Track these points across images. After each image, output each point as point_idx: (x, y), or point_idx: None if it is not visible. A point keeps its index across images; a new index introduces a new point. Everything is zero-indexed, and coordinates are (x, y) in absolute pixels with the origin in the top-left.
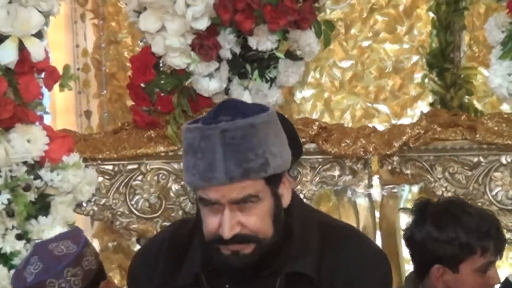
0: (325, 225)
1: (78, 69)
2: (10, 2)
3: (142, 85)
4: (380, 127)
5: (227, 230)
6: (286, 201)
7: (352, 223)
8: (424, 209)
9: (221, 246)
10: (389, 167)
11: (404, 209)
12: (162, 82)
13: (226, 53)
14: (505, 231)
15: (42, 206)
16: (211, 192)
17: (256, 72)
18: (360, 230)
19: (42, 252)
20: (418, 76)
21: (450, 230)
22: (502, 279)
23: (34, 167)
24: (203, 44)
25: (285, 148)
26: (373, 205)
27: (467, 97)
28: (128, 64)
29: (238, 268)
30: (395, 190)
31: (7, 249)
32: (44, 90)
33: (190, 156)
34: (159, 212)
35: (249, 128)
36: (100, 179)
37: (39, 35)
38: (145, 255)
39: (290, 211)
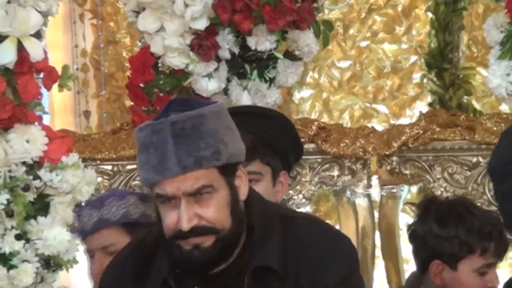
0: (285, 218)
1: (77, 69)
2: (8, 2)
3: (141, 85)
4: (379, 127)
5: (185, 222)
6: (243, 194)
7: (351, 223)
8: (429, 205)
9: (182, 242)
10: (388, 167)
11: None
12: (161, 82)
13: (225, 53)
14: None
15: (41, 206)
16: (166, 185)
17: (255, 72)
18: (359, 229)
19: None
20: (416, 76)
21: (451, 227)
22: (500, 279)
23: (33, 167)
24: (202, 44)
25: (238, 140)
26: (372, 205)
27: (466, 97)
28: (127, 64)
29: (200, 263)
30: (394, 190)
31: (6, 249)
32: (43, 90)
33: (143, 153)
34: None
35: (198, 118)
36: (100, 179)
37: (38, 35)
38: (113, 268)
39: (249, 207)
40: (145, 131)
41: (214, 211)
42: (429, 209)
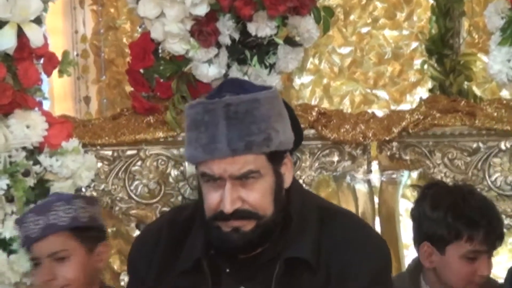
0: (324, 210)
1: (77, 55)
2: None
3: (141, 71)
4: (379, 113)
5: (228, 204)
6: (287, 181)
7: (351, 209)
8: (430, 188)
9: (222, 223)
10: (388, 153)
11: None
12: (161, 68)
13: (225, 39)
14: (504, 216)
15: (41, 191)
16: (214, 166)
17: (255, 58)
18: (359, 216)
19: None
20: (417, 62)
21: (441, 210)
22: (500, 264)
23: (33, 152)
24: (202, 30)
25: (288, 127)
26: (372, 190)
27: (466, 83)
28: (127, 50)
29: (237, 245)
30: (394, 175)
31: (6, 235)
32: (43, 76)
33: (193, 130)
34: (158, 197)
35: (252, 103)
36: (99, 164)
37: (38, 21)
38: (143, 242)
39: (289, 196)
40: (197, 108)
41: (258, 196)
42: (427, 192)
